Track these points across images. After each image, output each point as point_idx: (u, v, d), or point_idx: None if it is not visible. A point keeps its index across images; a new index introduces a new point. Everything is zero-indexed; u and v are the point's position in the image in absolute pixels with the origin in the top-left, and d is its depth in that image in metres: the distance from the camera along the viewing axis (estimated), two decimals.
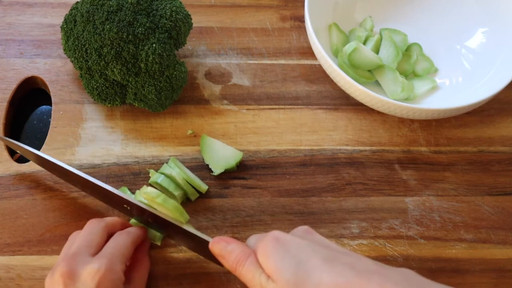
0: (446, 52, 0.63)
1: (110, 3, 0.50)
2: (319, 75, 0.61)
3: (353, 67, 0.58)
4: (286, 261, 0.35)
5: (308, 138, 0.57)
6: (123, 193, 0.50)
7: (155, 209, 0.45)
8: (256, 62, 0.61)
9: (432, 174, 0.56)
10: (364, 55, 0.57)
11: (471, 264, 0.52)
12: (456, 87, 0.60)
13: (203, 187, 0.52)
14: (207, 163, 0.53)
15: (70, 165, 0.52)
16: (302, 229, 0.40)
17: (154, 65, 0.50)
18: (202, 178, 0.53)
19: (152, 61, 0.50)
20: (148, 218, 0.46)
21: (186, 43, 0.56)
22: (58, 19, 0.61)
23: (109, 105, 0.54)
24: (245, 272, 0.37)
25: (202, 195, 0.52)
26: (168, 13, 0.51)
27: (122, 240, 0.43)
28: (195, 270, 0.49)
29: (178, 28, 0.52)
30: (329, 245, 0.38)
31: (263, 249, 0.37)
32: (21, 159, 0.53)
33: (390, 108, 0.53)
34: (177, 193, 0.50)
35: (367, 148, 0.57)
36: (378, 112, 0.59)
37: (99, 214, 0.50)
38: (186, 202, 0.52)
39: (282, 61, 0.61)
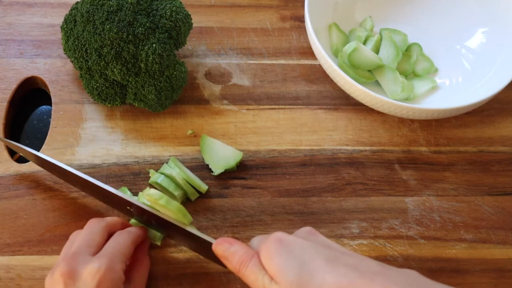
0: (446, 52, 0.63)
1: (110, 3, 0.50)
2: (319, 75, 0.61)
3: (353, 67, 0.58)
4: (289, 262, 0.35)
5: (308, 138, 0.57)
6: (123, 193, 0.50)
7: (158, 210, 0.45)
8: (256, 62, 0.61)
9: (432, 174, 0.56)
10: (364, 55, 0.57)
11: (471, 264, 0.52)
12: (456, 87, 0.60)
13: (203, 187, 0.52)
14: (207, 163, 0.53)
15: (70, 165, 0.52)
16: (305, 230, 0.40)
17: (154, 65, 0.50)
18: (202, 178, 0.53)
19: (152, 61, 0.50)
20: (151, 220, 0.46)
21: (186, 43, 0.56)
22: (58, 19, 0.61)
23: (109, 105, 0.54)
24: (248, 273, 0.37)
25: (202, 195, 0.52)
26: (168, 13, 0.51)
27: (122, 240, 0.43)
28: (195, 270, 0.49)
29: (178, 28, 0.52)
30: (332, 246, 0.38)
31: (266, 250, 0.37)
32: (21, 159, 0.53)
33: (390, 108, 0.53)
34: (177, 193, 0.50)
35: (367, 148, 0.57)
36: (378, 112, 0.59)
37: (99, 214, 0.50)
38: (186, 202, 0.52)
39: (282, 61, 0.61)
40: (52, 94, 0.56)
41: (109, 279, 0.39)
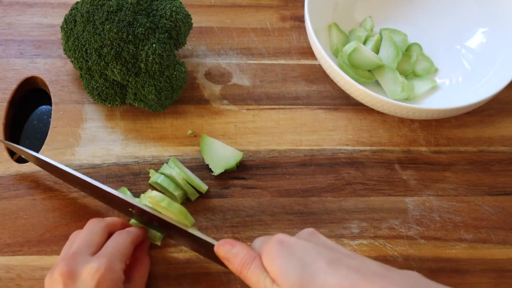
0: (446, 52, 0.63)
1: (110, 3, 0.50)
2: (319, 75, 0.61)
3: (353, 67, 0.58)
4: (291, 264, 0.35)
5: (308, 138, 0.57)
6: (123, 193, 0.50)
7: (159, 212, 0.45)
8: (256, 62, 0.61)
9: (432, 174, 0.56)
10: (364, 55, 0.57)
11: (471, 264, 0.52)
12: (456, 87, 0.60)
13: (203, 187, 0.52)
14: (207, 163, 0.53)
15: (70, 165, 0.52)
16: (307, 231, 0.40)
17: (154, 65, 0.50)
18: (202, 178, 0.53)
19: (152, 61, 0.50)
20: (153, 221, 0.46)
21: (186, 43, 0.56)
22: (58, 19, 0.61)
23: (109, 105, 0.54)
24: (250, 275, 0.37)
25: (202, 195, 0.52)
26: (168, 13, 0.51)
27: (122, 240, 0.43)
28: (195, 270, 0.49)
29: (178, 28, 0.52)
30: (334, 247, 0.38)
31: (267, 252, 0.37)
32: (21, 159, 0.53)
33: (390, 108, 0.53)
34: (177, 193, 0.50)
35: (367, 148, 0.57)
36: (378, 112, 0.59)
37: (99, 214, 0.50)
38: (186, 202, 0.52)
39: (282, 61, 0.61)
40: (52, 94, 0.56)
41: (109, 279, 0.39)
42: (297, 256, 0.36)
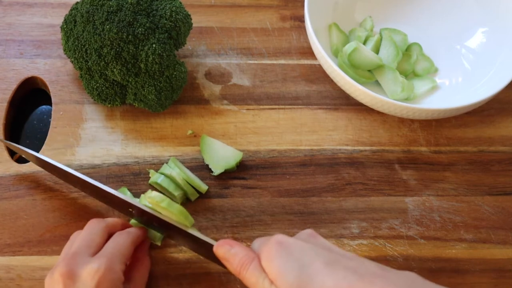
0: (446, 52, 0.62)
1: (110, 3, 0.50)
2: (319, 75, 0.61)
3: (353, 67, 0.58)
4: (289, 265, 0.35)
5: (308, 138, 0.57)
6: (123, 193, 0.50)
7: (159, 212, 0.45)
8: (256, 62, 0.61)
9: (432, 174, 0.56)
10: (364, 55, 0.57)
11: (471, 264, 0.52)
12: (456, 87, 0.60)
13: (203, 187, 0.52)
14: (207, 163, 0.53)
15: (70, 165, 0.52)
16: (306, 232, 0.40)
17: (154, 65, 0.50)
18: (202, 178, 0.53)
19: (152, 62, 0.50)
20: (153, 221, 0.46)
21: (186, 43, 0.56)
22: (58, 19, 0.61)
23: (109, 105, 0.54)
24: (249, 276, 0.37)
25: (202, 195, 0.52)
26: (168, 13, 0.51)
27: (122, 240, 0.43)
28: (195, 270, 0.49)
29: (178, 28, 0.52)
30: (333, 248, 0.38)
31: (266, 253, 0.37)
32: (21, 159, 0.53)
33: (390, 108, 0.53)
34: (177, 193, 0.50)
35: (367, 148, 0.57)
36: (378, 112, 0.59)
37: (99, 215, 0.50)
38: (186, 202, 0.52)
39: (282, 61, 0.61)
40: (52, 94, 0.56)
41: (109, 279, 0.39)
42: (295, 257, 0.36)
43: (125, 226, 0.47)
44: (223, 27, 0.63)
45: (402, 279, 0.34)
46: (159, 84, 0.51)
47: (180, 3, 0.54)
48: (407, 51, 0.62)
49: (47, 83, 0.57)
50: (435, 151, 0.58)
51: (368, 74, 0.59)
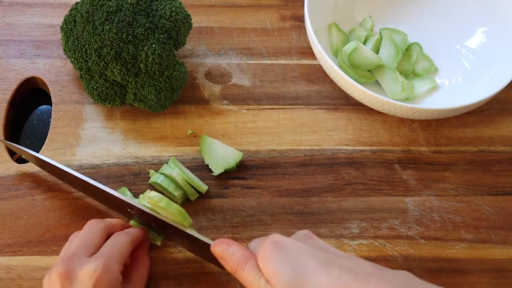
0: (446, 52, 0.62)
1: (110, 3, 0.50)
2: (319, 75, 0.61)
3: (353, 67, 0.58)
4: (284, 265, 0.35)
5: (308, 138, 0.57)
6: (123, 194, 0.50)
7: (158, 212, 0.45)
8: (256, 62, 0.61)
9: (432, 174, 0.56)
10: (364, 55, 0.57)
11: (471, 264, 0.52)
12: (456, 87, 0.60)
13: (203, 187, 0.52)
14: (207, 163, 0.53)
15: (70, 165, 0.52)
16: (303, 233, 0.40)
17: (153, 65, 0.50)
18: (202, 178, 0.53)
19: (152, 62, 0.50)
20: (151, 222, 0.46)
21: (186, 43, 0.56)
22: (58, 19, 0.61)
23: (109, 106, 0.54)
24: (245, 275, 0.38)
25: (202, 195, 0.52)
26: (168, 14, 0.51)
27: (120, 241, 0.43)
28: (195, 270, 0.49)
29: (178, 28, 0.52)
30: (329, 249, 0.38)
31: (262, 252, 0.37)
32: (21, 159, 0.53)
33: (390, 108, 0.53)
34: (177, 193, 0.50)
35: (367, 148, 0.57)
36: (378, 112, 0.59)
37: (99, 215, 0.50)
38: (186, 202, 0.52)
39: (282, 61, 0.61)
40: (52, 95, 0.56)
41: (106, 280, 0.39)
42: (291, 257, 0.36)
43: (124, 226, 0.47)
44: (223, 27, 0.63)
45: (397, 278, 0.34)
46: (159, 84, 0.51)
47: (180, 3, 0.54)
48: (407, 51, 0.62)
49: (47, 83, 0.57)
50: (435, 151, 0.58)
51: (368, 74, 0.59)
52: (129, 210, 0.46)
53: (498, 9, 0.59)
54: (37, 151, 0.52)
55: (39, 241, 0.49)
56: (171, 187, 0.50)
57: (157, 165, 0.53)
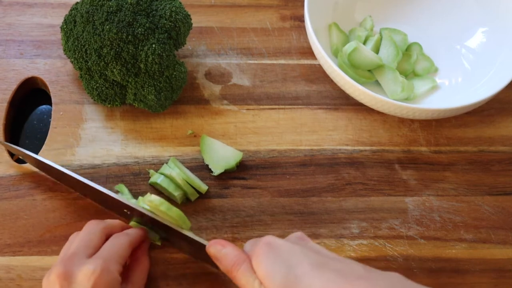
0: (446, 52, 0.62)
1: (110, 3, 0.50)
2: (319, 75, 0.61)
3: (353, 67, 0.58)
4: (277, 266, 0.36)
5: (308, 138, 0.57)
6: (120, 190, 0.50)
7: (157, 215, 0.45)
8: (256, 62, 0.61)
9: (432, 174, 0.56)
10: (364, 55, 0.57)
11: (471, 264, 0.52)
12: (456, 87, 0.60)
13: (203, 187, 0.52)
14: (207, 163, 0.53)
15: (70, 165, 0.52)
16: (296, 235, 0.41)
17: (153, 65, 0.50)
18: (202, 178, 0.53)
19: (152, 62, 0.50)
20: (149, 223, 0.46)
21: (186, 43, 0.56)
22: (58, 19, 0.61)
23: (109, 106, 0.54)
24: (240, 276, 0.38)
25: (202, 195, 0.52)
26: (168, 14, 0.51)
27: (119, 242, 0.43)
28: (195, 270, 0.49)
29: (178, 28, 0.52)
30: (321, 251, 0.38)
31: (256, 254, 0.38)
32: (21, 160, 0.53)
33: (390, 108, 0.53)
34: (177, 193, 0.50)
35: (367, 148, 0.57)
36: (378, 112, 0.59)
37: (99, 215, 0.50)
38: (186, 202, 0.52)
39: (282, 61, 0.61)
40: (52, 95, 0.56)
41: (105, 281, 0.39)
42: (283, 258, 0.36)
43: (124, 227, 0.47)
44: (223, 27, 0.63)
45: (386, 279, 0.34)
46: (159, 84, 0.51)
47: (180, 3, 0.54)
48: (407, 51, 0.62)
49: (47, 83, 0.57)
50: (435, 151, 0.58)
51: (368, 74, 0.59)
52: (125, 211, 0.46)
53: (498, 9, 0.59)
54: (37, 151, 0.52)
55: (39, 241, 0.49)
56: (171, 187, 0.50)
57: (157, 165, 0.53)
